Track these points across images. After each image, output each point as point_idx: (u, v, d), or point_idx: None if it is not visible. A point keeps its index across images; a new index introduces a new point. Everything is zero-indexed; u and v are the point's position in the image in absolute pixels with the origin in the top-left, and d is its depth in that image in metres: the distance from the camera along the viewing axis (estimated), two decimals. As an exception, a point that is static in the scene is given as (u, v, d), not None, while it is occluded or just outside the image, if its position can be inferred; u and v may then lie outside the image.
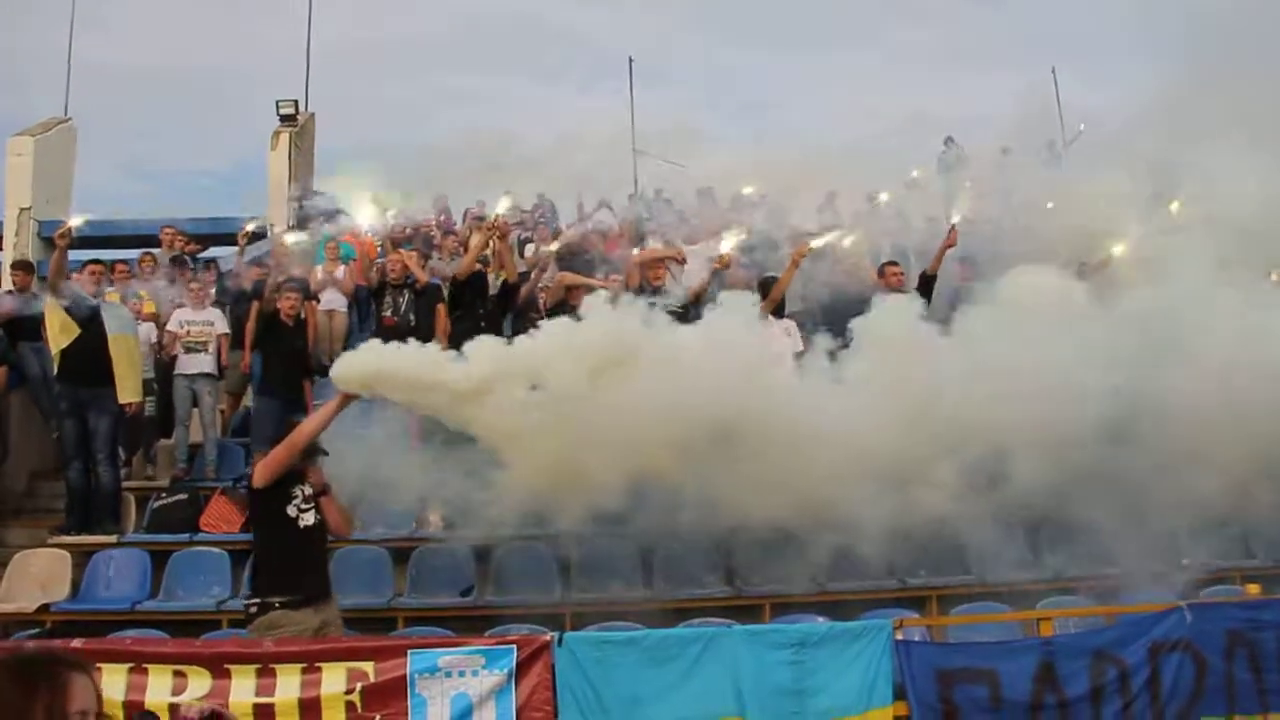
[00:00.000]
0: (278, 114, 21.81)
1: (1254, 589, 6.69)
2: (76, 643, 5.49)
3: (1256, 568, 7.83)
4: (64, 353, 8.37)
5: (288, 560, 5.84)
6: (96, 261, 9.48)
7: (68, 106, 22.81)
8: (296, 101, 22.27)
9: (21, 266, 9.78)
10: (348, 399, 5.77)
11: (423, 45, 55.72)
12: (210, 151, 63.62)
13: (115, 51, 43.88)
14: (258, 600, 5.78)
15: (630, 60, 24.53)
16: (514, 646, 5.43)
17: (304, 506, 5.87)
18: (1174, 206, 9.83)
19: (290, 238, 10.27)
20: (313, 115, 23.00)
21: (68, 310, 8.34)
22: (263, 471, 5.79)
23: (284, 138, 21.37)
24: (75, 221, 8.04)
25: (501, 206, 10.47)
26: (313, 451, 5.92)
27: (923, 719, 5.44)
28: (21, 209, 20.68)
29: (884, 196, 13.52)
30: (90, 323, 8.42)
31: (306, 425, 5.91)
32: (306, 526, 5.88)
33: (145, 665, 5.37)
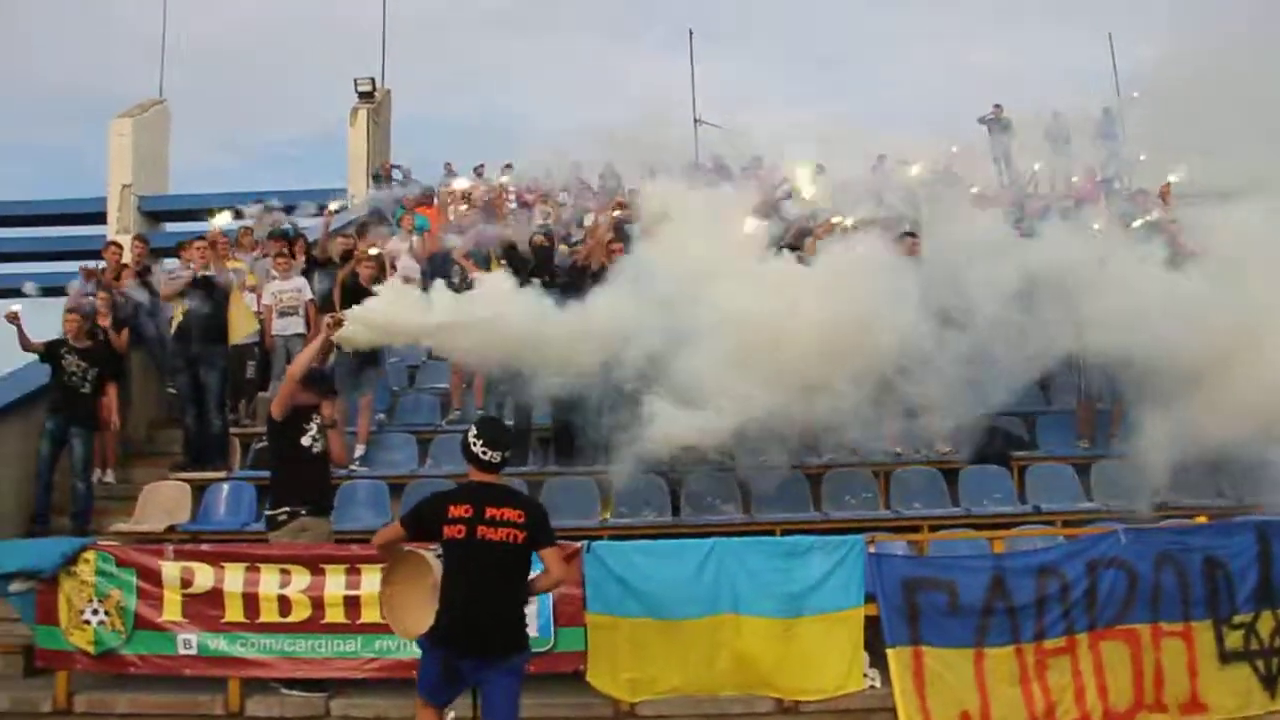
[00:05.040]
0: (356, 91, 23.11)
1: (1202, 519, 7.57)
2: (206, 546, 6.89)
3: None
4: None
5: (306, 478, 7.06)
6: (200, 238, 10.90)
7: (162, 87, 24.49)
8: (374, 79, 23.53)
9: (140, 239, 11.32)
10: (330, 334, 6.88)
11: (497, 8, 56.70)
12: (295, 123, 65.86)
13: (206, 26, 45.85)
14: (287, 509, 6.99)
15: (690, 32, 25.49)
16: (551, 552, 6.68)
17: (315, 437, 7.06)
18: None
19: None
20: (389, 91, 24.24)
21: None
22: (278, 404, 6.99)
23: (362, 114, 22.61)
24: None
25: (504, 178, 11.69)
26: (324, 388, 7.12)
27: (890, 619, 6.53)
28: (124, 186, 22.40)
29: (915, 170, 14.43)
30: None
31: (300, 357, 7.14)
32: (318, 453, 7.09)
33: (258, 565, 6.76)
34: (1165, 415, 7.60)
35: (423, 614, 4.98)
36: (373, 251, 10.24)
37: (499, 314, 7.07)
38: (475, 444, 5.09)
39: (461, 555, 4.94)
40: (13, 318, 9.13)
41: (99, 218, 22.87)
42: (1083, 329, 7.71)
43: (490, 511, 4.95)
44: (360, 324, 6.95)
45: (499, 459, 5.12)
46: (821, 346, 7.22)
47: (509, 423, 9.55)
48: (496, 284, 7.77)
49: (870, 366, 7.39)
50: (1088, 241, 8.45)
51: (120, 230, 20.95)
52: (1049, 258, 7.92)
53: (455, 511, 4.96)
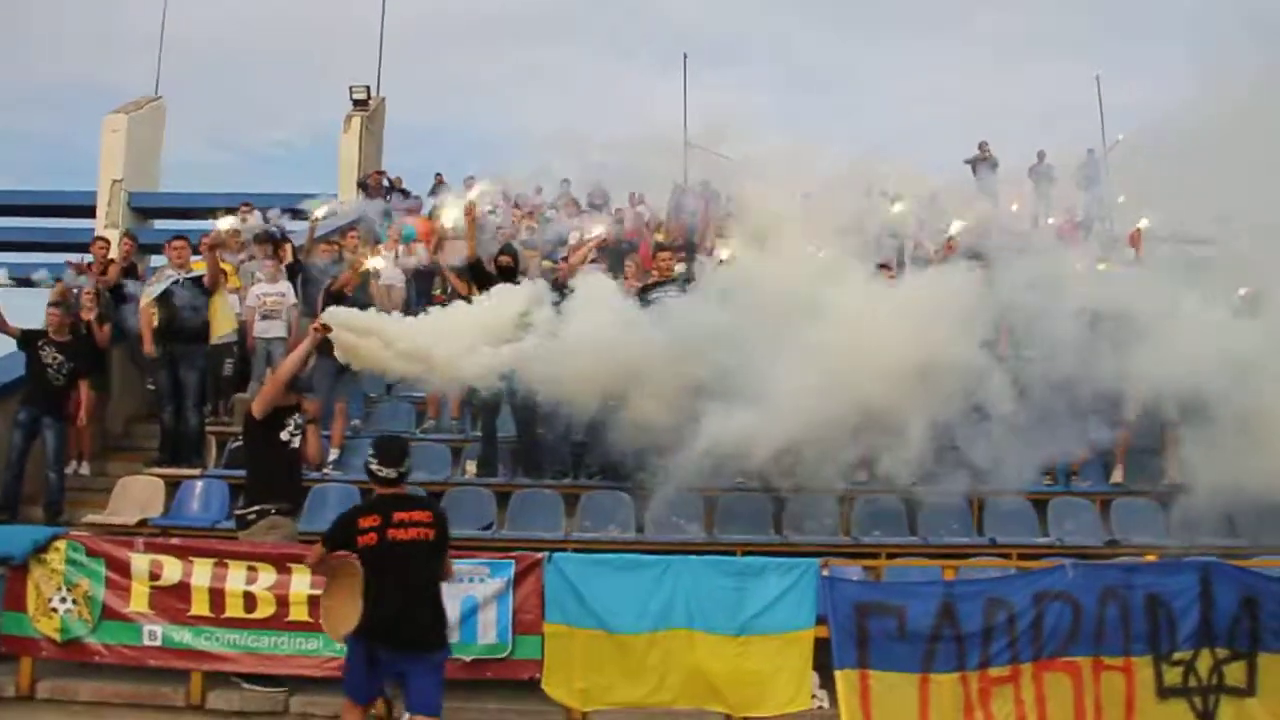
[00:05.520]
0: (350, 98, 23.23)
1: (1151, 557, 7.75)
2: (175, 540, 7.03)
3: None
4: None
5: (281, 476, 7.25)
6: (180, 237, 11.03)
7: (158, 85, 24.57)
8: (369, 87, 23.64)
9: (129, 235, 11.49)
10: (317, 340, 6.93)
11: (498, 19, 57.22)
12: (287, 123, 66.06)
13: (206, 24, 45.96)
14: (257, 508, 7.16)
15: (685, 56, 25.76)
16: (513, 561, 6.87)
17: (294, 432, 7.23)
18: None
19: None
20: (384, 99, 24.34)
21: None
22: (260, 404, 7.17)
23: (356, 121, 22.69)
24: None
25: (474, 193, 11.82)
26: (303, 387, 7.34)
27: (839, 642, 6.67)
28: (114, 180, 22.42)
29: (898, 207, 14.63)
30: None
31: (286, 362, 7.32)
32: (294, 449, 7.26)
33: (226, 561, 6.90)
34: (1209, 456, 7.66)
35: (353, 619, 5.36)
36: (368, 264, 10.37)
37: (612, 331, 7.06)
38: (372, 463, 5.68)
39: (376, 559, 5.42)
40: None
41: (88, 211, 22.89)
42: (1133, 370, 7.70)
43: (398, 516, 5.52)
44: (399, 356, 6.86)
45: (395, 474, 5.66)
46: (891, 370, 7.21)
47: (478, 433, 9.75)
48: (598, 287, 7.67)
49: (934, 398, 7.35)
50: (1154, 283, 8.40)
51: (109, 225, 20.99)
52: (1114, 297, 8.05)
53: (365, 523, 5.50)
